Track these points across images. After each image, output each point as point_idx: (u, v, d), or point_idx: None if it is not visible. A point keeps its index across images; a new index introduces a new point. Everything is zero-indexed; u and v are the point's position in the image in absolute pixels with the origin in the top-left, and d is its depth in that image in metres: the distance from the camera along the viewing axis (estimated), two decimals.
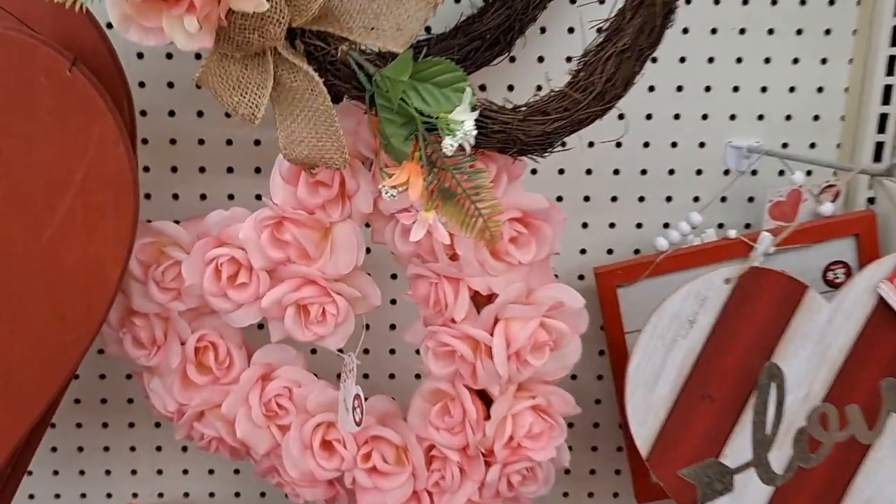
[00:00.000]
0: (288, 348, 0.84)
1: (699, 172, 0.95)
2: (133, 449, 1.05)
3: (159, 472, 1.06)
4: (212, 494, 1.08)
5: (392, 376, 1.03)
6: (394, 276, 0.97)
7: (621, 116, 0.79)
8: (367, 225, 0.80)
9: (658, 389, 0.82)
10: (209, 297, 0.78)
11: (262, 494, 1.08)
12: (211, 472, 1.07)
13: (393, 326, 1.00)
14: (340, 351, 0.80)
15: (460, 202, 0.66)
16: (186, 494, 1.07)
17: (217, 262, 0.77)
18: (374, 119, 0.66)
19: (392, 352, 1.02)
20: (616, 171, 0.95)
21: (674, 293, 0.81)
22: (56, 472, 1.05)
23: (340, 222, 0.75)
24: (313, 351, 0.98)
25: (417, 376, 1.04)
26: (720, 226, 0.97)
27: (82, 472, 1.05)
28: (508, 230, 0.73)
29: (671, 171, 0.95)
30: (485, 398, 0.82)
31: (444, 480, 0.83)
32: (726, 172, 0.95)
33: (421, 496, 0.85)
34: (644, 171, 0.95)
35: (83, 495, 1.06)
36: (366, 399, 0.82)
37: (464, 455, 0.82)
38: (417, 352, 1.01)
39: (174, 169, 0.93)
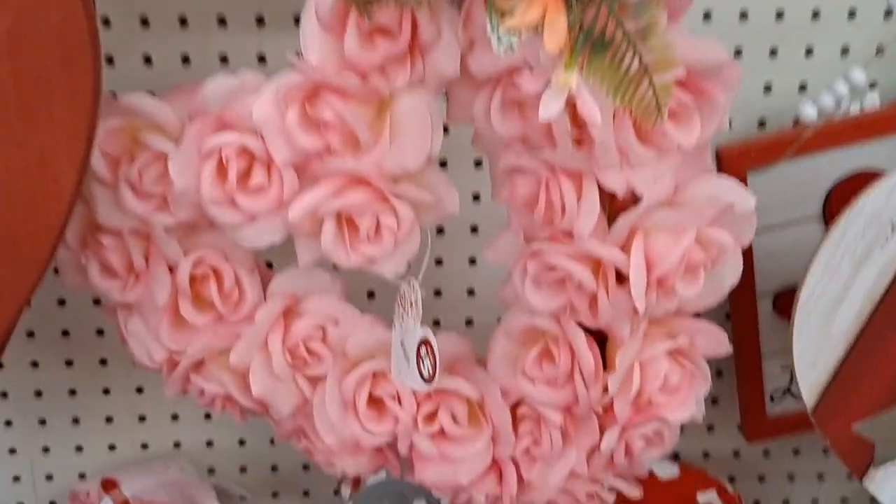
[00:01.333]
0: (319, 272, 0.62)
1: (852, 15, 0.74)
2: (107, 392, 0.87)
3: (141, 418, 0.88)
4: (209, 443, 0.90)
5: (437, 292, 0.83)
6: (443, 164, 0.76)
7: None
8: None
9: (838, 320, 0.62)
10: (210, 206, 0.56)
11: (272, 442, 0.89)
12: (207, 416, 0.88)
13: (440, 231, 0.79)
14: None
15: (616, 54, 0.42)
16: (177, 444, 0.90)
17: (221, 154, 0.54)
18: None
19: (439, 262, 0.81)
20: (743, 15, 0.74)
21: (873, 186, 0.58)
22: (9, 423, 0.87)
23: (407, 92, 0.52)
24: None
25: (471, 292, 0.83)
26: (871, 86, 0.75)
27: (43, 422, 0.88)
28: None
29: (815, 14, 0.74)
30: (595, 336, 0.60)
31: (537, 447, 0.62)
32: (888, 14, 0.74)
33: (504, 467, 0.64)
34: (780, 15, 0.74)
35: (46, 449, 0.89)
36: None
37: (568, 415, 0.61)
38: (472, 261, 0.82)
39: (144, 21, 0.72)
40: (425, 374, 0.58)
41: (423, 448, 0.63)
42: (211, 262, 0.60)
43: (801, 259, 0.71)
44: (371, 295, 0.81)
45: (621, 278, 0.55)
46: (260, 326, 0.61)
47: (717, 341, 0.59)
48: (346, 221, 0.55)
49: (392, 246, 0.56)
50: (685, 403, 0.60)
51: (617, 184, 0.52)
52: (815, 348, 0.62)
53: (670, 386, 0.59)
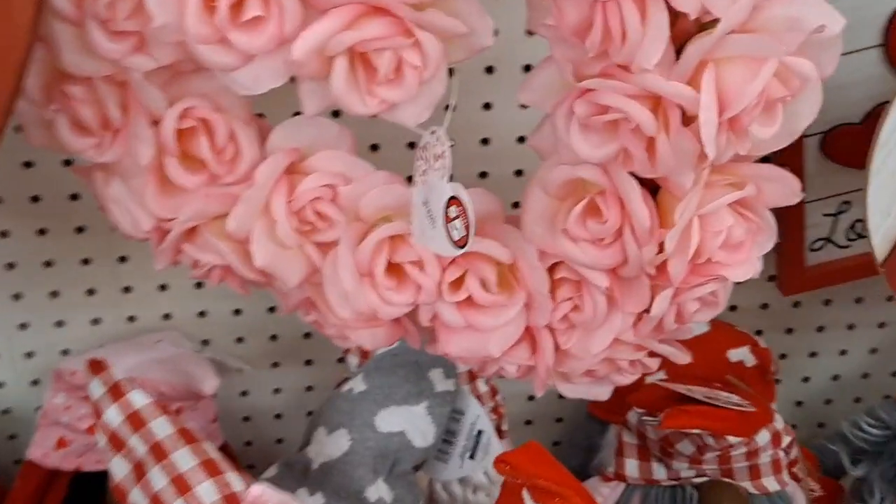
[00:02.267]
0: (326, 122, 0.53)
1: None
2: (86, 262, 0.79)
3: (126, 289, 0.81)
4: (202, 314, 0.83)
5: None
6: None
7: None
8: None
9: None
10: (197, 45, 0.46)
11: (272, 310, 0.82)
12: (199, 285, 0.80)
13: (450, 72, 0.69)
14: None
15: None
16: (167, 316, 0.83)
17: None
18: None
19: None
20: None
21: None
22: None
23: None
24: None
25: (485, 141, 0.75)
26: None
27: (17, 296, 0.80)
28: None
29: None
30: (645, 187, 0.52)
31: (578, 313, 0.55)
32: None
33: (539, 336, 0.57)
34: None
35: (23, 325, 0.82)
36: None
37: (615, 277, 0.53)
38: (487, 106, 0.73)
39: None
40: (456, 236, 0.51)
41: (448, 318, 0.56)
42: (200, 112, 0.51)
43: (857, 94, 0.63)
44: (375, 148, 0.73)
45: (684, 120, 0.47)
46: (260, 187, 0.52)
47: (789, 189, 0.51)
48: (360, 59, 0.46)
49: (416, 88, 0.47)
50: (748, 261, 0.53)
51: (689, 4, 0.43)
52: (891, 193, 0.55)
53: (733, 242, 0.52)
